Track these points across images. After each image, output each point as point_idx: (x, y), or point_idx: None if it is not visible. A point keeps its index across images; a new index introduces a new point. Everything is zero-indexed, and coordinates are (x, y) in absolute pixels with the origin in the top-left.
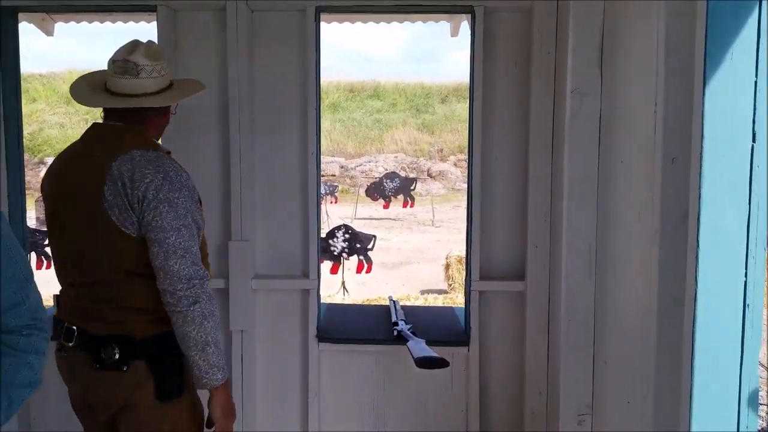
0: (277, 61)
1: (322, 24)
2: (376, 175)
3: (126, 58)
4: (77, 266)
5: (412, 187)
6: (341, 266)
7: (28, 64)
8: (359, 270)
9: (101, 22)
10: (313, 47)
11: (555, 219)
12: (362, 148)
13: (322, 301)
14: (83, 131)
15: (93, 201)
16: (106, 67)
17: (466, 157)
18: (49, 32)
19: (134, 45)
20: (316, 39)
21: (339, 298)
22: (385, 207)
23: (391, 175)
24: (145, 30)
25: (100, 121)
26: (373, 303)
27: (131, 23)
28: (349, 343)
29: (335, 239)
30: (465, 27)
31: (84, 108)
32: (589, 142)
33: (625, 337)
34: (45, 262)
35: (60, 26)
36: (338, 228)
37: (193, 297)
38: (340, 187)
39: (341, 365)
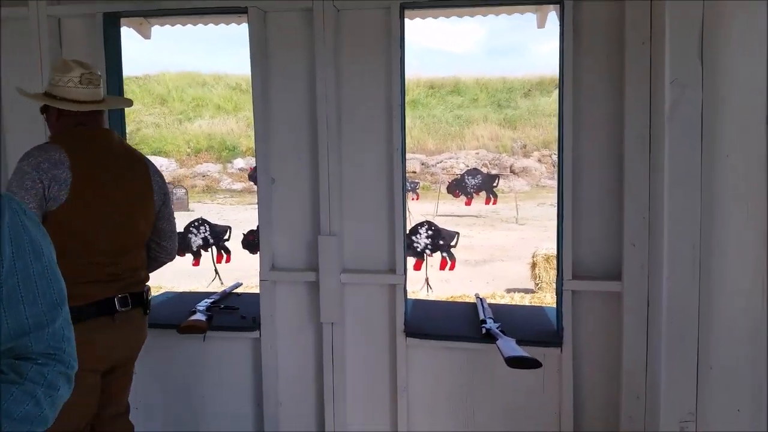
0: (362, 58)
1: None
2: (457, 171)
3: (91, 70)
4: (128, 242)
5: (494, 184)
6: (425, 263)
7: (125, 68)
8: (442, 267)
9: (194, 25)
10: (398, 43)
11: (654, 216)
12: (443, 145)
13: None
14: (175, 130)
15: (146, 191)
16: (190, 69)
17: (551, 152)
18: (146, 36)
19: (75, 61)
20: (401, 35)
21: (422, 295)
22: (467, 204)
23: (473, 172)
24: (234, 32)
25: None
26: (457, 300)
27: (222, 25)
28: (437, 339)
29: (418, 236)
30: (552, 18)
31: (177, 109)
32: (690, 135)
33: (734, 341)
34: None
35: (155, 30)
36: (421, 225)
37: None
38: (421, 184)
39: (429, 361)
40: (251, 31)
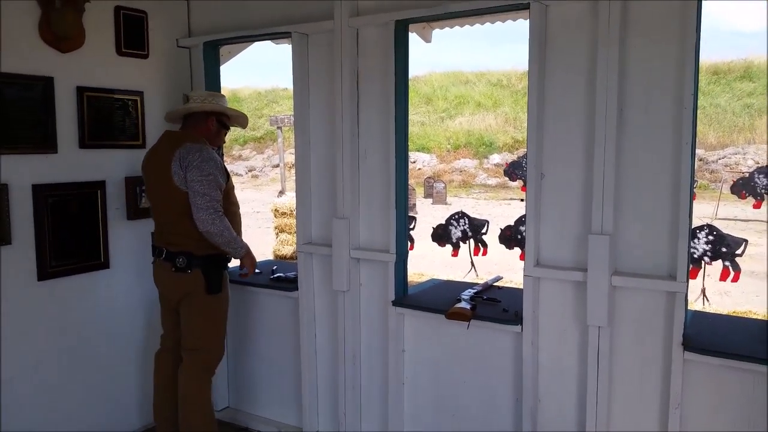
0: (649, 47)
1: None
2: (744, 169)
3: (189, 93)
4: (160, 213)
5: None
6: (702, 271)
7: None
8: (723, 277)
9: (471, 26)
10: (693, 28)
11: None
12: (727, 138)
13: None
14: (437, 127)
15: (164, 171)
16: (454, 69)
17: None
18: (427, 39)
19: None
20: (697, 19)
21: (697, 306)
22: (756, 207)
23: (765, 170)
24: (498, 29)
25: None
26: (740, 316)
27: (497, 23)
28: (721, 357)
29: (696, 240)
30: None
31: (441, 107)
32: None
33: None
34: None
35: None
36: (701, 228)
37: (206, 221)
38: (698, 183)
39: (710, 380)
40: (532, 26)
